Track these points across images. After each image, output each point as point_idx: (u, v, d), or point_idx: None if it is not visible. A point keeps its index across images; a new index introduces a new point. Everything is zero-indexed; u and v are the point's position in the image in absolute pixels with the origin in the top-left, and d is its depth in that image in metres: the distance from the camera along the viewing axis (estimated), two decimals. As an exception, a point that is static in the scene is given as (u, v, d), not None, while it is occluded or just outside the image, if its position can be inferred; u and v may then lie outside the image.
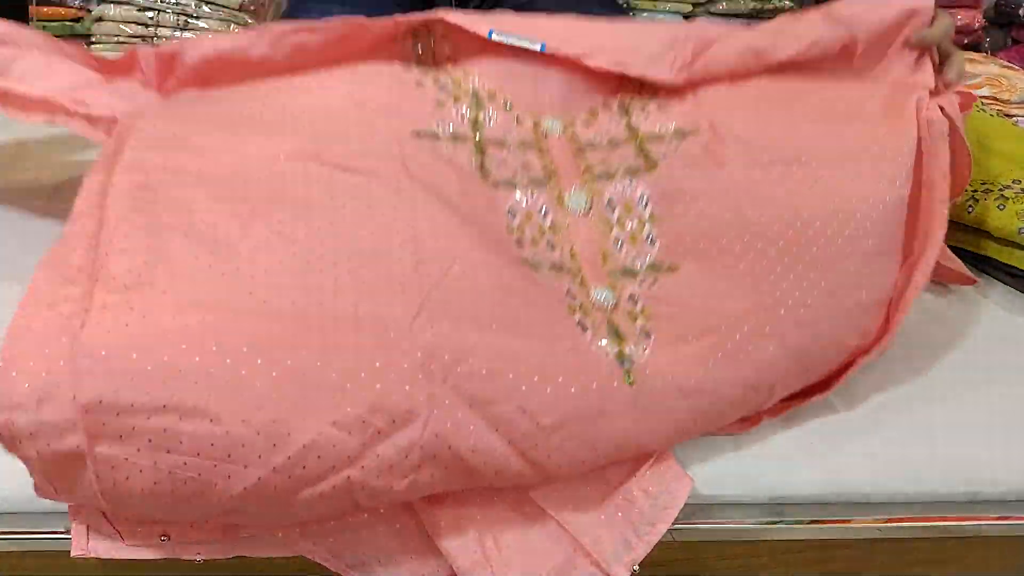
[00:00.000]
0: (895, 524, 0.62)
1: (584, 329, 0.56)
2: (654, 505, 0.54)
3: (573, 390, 0.52)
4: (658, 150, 0.67)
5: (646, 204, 0.64)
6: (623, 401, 0.53)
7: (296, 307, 0.50)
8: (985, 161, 0.91)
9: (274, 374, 0.47)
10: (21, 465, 0.47)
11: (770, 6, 1.39)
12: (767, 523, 0.60)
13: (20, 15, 1.18)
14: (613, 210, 0.64)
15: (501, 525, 0.53)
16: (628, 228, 0.63)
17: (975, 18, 1.46)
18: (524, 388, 0.51)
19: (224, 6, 1.34)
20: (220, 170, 0.58)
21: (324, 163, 0.60)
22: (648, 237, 0.63)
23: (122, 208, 0.53)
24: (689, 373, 0.55)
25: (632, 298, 0.59)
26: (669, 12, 1.38)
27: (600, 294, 0.59)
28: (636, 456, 0.55)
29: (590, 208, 0.64)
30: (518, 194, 0.64)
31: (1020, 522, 0.62)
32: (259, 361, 0.47)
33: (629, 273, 0.61)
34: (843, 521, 0.61)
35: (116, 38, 1.34)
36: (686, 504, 0.54)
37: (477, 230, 0.58)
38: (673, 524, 0.54)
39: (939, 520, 0.62)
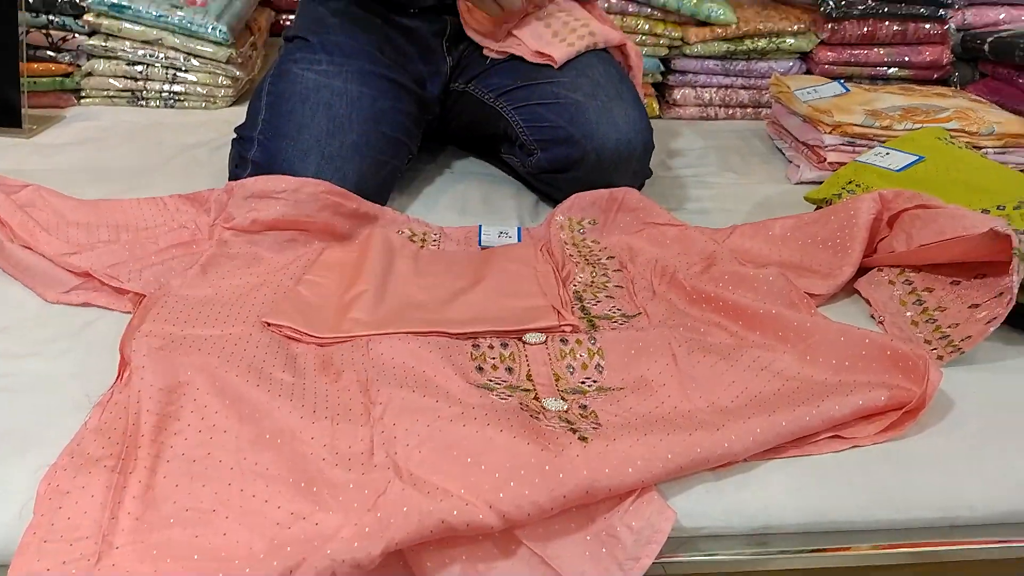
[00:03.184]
0: (884, 551, 0.62)
1: (536, 421, 0.61)
2: (637, 540, 0.55)
3: (527, 443, 0.56)
4: (607, 324, 0.77)
5: (595, 343, 0.73)
6: (578, 449, 0.57)
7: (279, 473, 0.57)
8: (955, 192, 0.94)
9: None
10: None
11: (743, 47, 1.43)
12: (751, 554, 0.61)
13: (10, 71, 1.20)
14: (566, 343, 0.73)
15: (486, 563, 0.53)
16: (579, 358, 0.71)
17: (943, 54, 1.51)
18: (477, 450, 0.56)
19: (212, 59, 1.37)
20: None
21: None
22: (597, 366, 0.71)
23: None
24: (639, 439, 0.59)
25: (583, 406, 0.65)
26: (646, 56, 1.42)
27: (552, 403, 0.65)
28: (607, 498, 0.56)
29: (545, 340, 0.73)
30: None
31: (999, 545, 0.63)
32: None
33: (579, 391, 0.68)
34: (831, 550, 0.62)
35: (105, 92, 1.37)
36: (670, 537, 0.55)
37: (439, 354, 0.68)
38: (657, 558, 0.54)
39: (928, 545, 0.62)
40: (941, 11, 1.47)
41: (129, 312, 0.76)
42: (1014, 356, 0.77)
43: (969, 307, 0.78)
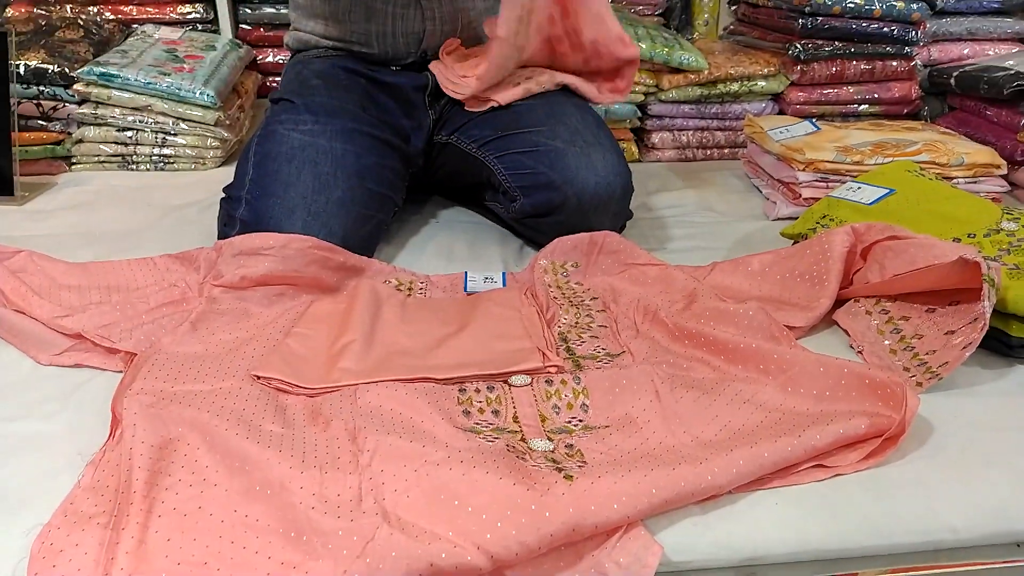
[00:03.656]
0: None
1: (523, 461, 0.62)
2: (626, 575, 0.55)
3: (514, 484, 0.57)
4: (592, 364, 0.79)
5: (579, 382, 0.74)
6: (563, 487, 0.58)
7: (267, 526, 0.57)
8: (927, 223, 0.96)
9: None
10: None
11: (716, 91, 1.48)
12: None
13: (2, 141, 1.23)
14: (551, 384, 0.74)
15: (477, 603, 0.54)
16: (565, 398, 0.73)
17: (911, 89, 1.55)
18: (464, 493, 0.57)
19: (200, 122, 1.40)
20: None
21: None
22: (582, 405, 0.72)
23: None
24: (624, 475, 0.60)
25: (569, 445, 0.67)
26: (622, 103, 1.46)
27: (538, 444, 0.66)
28: (594, 535, 0.57)
29: (531, 382, 0.75)
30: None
31: (989, 565, 0.63)
32: None
33: (565, 431, 0.69)
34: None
35: (96, 158, 1.40)
36: (658, 572, 0.56)
37: (425, 400, 0.70)
38: (646, 593, 0.55)
39: (932, 568, 0.63)
40: (907, 49, 1.52)
41: (121, 371, 0.77)
42: (991, 380, 0.79)
43: (945, 333, 0.80)
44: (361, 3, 1.12)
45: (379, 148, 1.10)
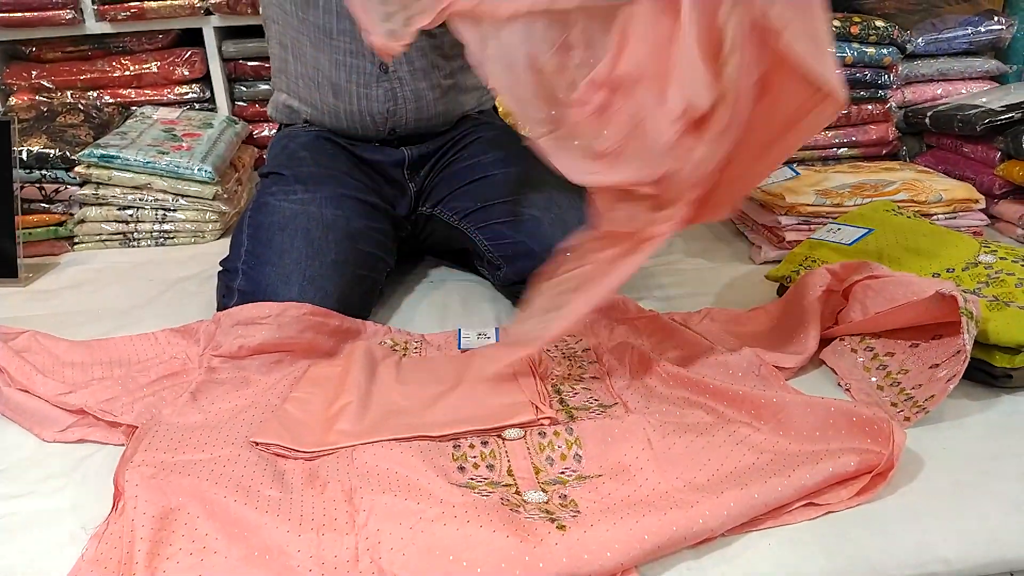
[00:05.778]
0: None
1: (517, 514, 0.63)
2: (622, 624, 0.56)
3: (507, 537, 0.58)
4: (585, 415, 0.80)
5: (572, 433, 0.76)
6: (556, 538, 0.59)
7: None
8: (906, 260, 0.99)
9: None
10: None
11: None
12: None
13: (6, 225, 1.26)
14: (544, 436, 0.76)
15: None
16: (558, 449, 0.74)
17: (888, 130, 1.59)
18: (459, 548, 0.58)
19: (199, 197, 1.44)
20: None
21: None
22: (575, 455, 0.73)
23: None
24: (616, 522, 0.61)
25: (563, 495, 0.68)
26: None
27: (532, 496, 0.68)
28: None
29: (524, 435, 0.76)
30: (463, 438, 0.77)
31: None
32: None
33: (559, 482, 0.70)
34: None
35: (97, 236, 1.43)
36: (654, 618, 0.57)
37: (421, 458, 0.71)
38: (644, 640, 0.56)
39: None
40: (880, 92, 1.57)
41: (123, 445, 0.79)
42: (978, 410, 0.80)
43: (930, 367, 0.81)
44: (327, 80, 1.16)
45: (368, 212, 1.13)
